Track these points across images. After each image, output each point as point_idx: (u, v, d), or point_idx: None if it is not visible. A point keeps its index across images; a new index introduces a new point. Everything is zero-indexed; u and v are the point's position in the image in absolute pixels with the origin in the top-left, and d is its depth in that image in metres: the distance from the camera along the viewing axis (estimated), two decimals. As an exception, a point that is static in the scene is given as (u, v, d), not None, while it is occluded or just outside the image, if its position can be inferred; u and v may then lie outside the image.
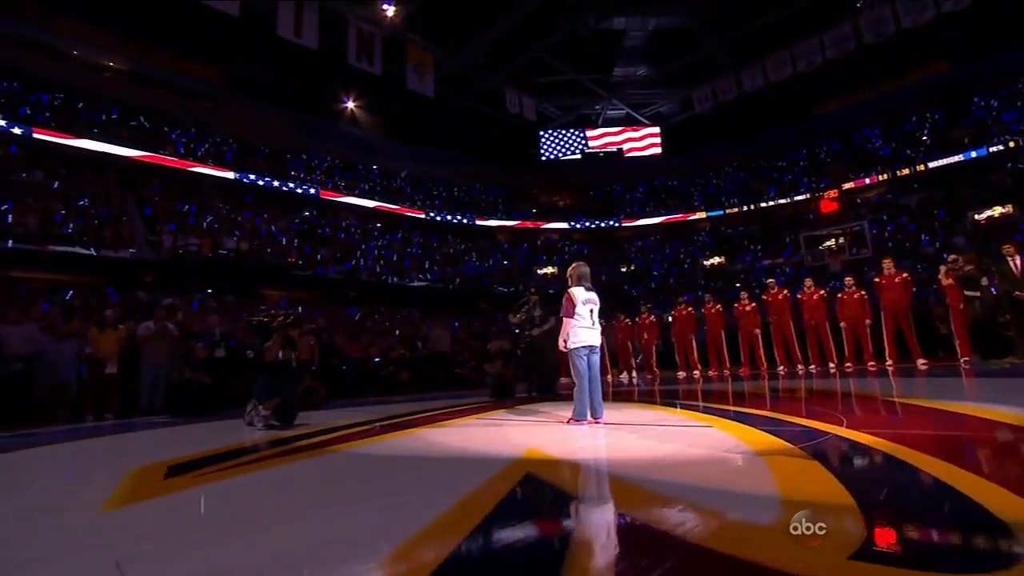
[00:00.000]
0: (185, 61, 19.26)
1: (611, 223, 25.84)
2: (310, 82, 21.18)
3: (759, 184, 24.31)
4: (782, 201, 22.94)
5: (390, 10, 19.61)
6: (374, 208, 23.43)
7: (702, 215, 24.74)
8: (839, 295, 9.67)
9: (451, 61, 21.08)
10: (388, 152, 24.94)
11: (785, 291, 10.29)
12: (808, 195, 22.40)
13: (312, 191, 22.13)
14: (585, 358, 4.15)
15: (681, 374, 10.89)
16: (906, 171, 20.56)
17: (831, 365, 9.37)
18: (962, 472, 1.74)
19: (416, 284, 20.72)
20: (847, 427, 2.81)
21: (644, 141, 24.96)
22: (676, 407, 5.07)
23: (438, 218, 24.76)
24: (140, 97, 18.98)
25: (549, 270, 24.04)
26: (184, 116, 19.97)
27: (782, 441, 2.54)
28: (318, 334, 8.93)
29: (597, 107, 24.82)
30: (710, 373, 10.71)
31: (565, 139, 25.02)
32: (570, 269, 4.48)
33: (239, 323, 9.04)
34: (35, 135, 15.88)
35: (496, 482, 2.03)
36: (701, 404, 5.23)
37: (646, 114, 25.16)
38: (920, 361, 8.03)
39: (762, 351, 10.33)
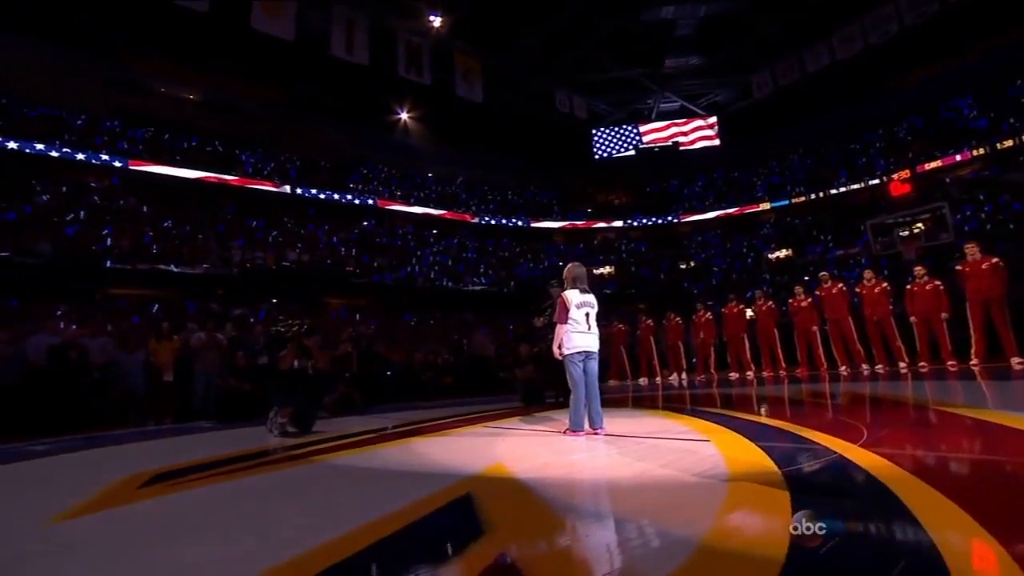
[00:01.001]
0: (251, 87, 20.68)
1: (669, 219, 25.01)
2: (364, 97, 22.06)
3: (828, 170, 22.61)
4: (855, 186, 21.18)
5: (437, 20, 20.04)
6: (429, 215, 24.04)
7: (766, 206, 23.34)
8: (908, 286, 8.77)
9: (498, 65, 21.25)
10: (443, 160, 25.56)
11: (840, 285, 9.39)
12: (885, 178, 20.55)
13: (370, 201, 23.02)
14: (581, 365, 3.97)
15: (734, 375, 10.32)
16: (1009, 143, 18.31)
17: (902, 365, 8.51)
18: (969, 520, 1.37)
19: (471, 288, 21.02)
20: (864, 444, 2.51)
21: (700, 132, 23.93)
22: (687, 415, 4.79)
23: (492, 222, 25.02)
24: (214, 124, 20.54)
25: (606, 270, 23.64)
26: (252, 138, 21.37)
27: (770, 463, 2.27)
28: (356, 341, 9.26)
29: (650, 101, 24.11)
30: (764, 374, 10.08)
31: (618, 136, 24.49)
32: (566, 271, 4.27)
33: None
34: (131, 166, 17.63)
35: (418, 505, 1.99)
36: (717, 412, 4.91)
37: (701, 105, 24.13)
38: (1016, 360, 6.87)
39: (820, 350, 9.59)
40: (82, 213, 15.30)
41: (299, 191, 21.26)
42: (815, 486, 1.95)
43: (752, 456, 2.50)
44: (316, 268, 18.66)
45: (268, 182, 20.53)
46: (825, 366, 9.38)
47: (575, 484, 2.33)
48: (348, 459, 3.52)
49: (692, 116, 24.16)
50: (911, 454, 2.42)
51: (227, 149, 20.75)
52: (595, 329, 4.07)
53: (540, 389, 7.73)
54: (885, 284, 9.04)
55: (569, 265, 4.28)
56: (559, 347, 4.02)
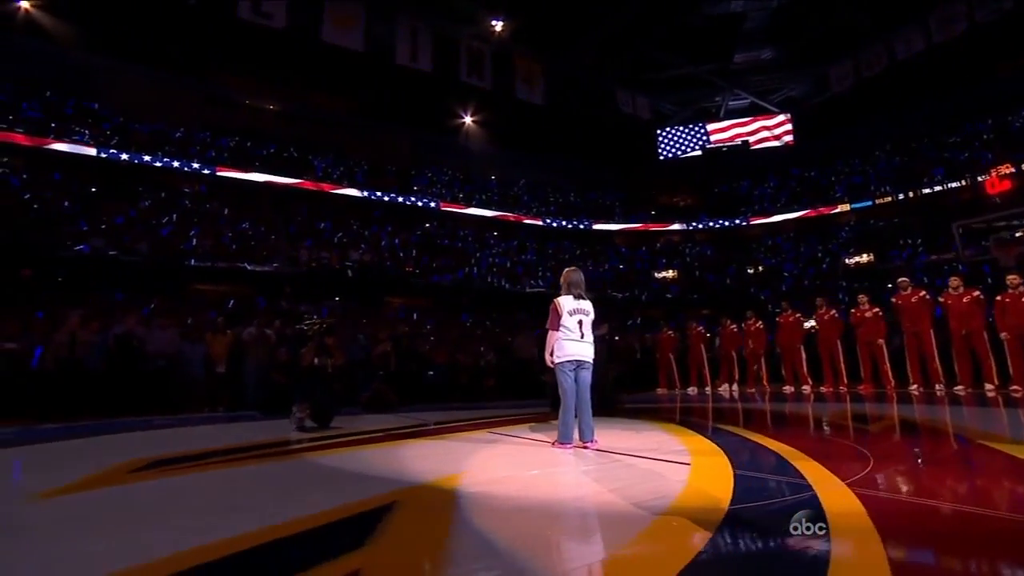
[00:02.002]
0: (323, 96, 21.96)
1: (737, 222, 23.79)
2: (428, 103, 22.76)
3: (921, 166, 20.55)
4: (953, 184, 19.10)
5: (498, 25, 20.32)
6: (490, 217, 24.37)
7: (845, 208, 21.58)
8: (999, 297, 7.85)
9: (559, 67, 21.23)
10: (505, 162, 25.87)
11: (923, 292, 8.51)
12: (992, 175, 18.37)
13: (433, 204, 23.68)
14: (572, 374, 3.85)
15: (788, 389, 9.68)
16: None
17: (988, 387, 7.64)
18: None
19: (527, 291, 21.10)
20: (853, 482, 2.27)
21: (773, 131, 22.58)
22: (696, 432, 4.57)
23: (554, 224, 24.95)
24: (291, 132, 21.95)
25: (669, 274, 22.89)
26: (324, 144, 22.63)
27: (726, 497, 2.12)
28: (396, 340, 9.58)
29: (717, 99, 23.10)
30: (822, 389, 9.39)
31: (684, 136, 23.64)
32: (562, 275, 4.13)
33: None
34: (217, 173, 19.28)
35: (333, 511, 2.04)
36: (729, 431, 4.65)
37: (774, 101, 22.78)
38: None
39: (887, 366, 8.79)
40: (175, 216, 16.87)
41: (365, 194, 22.25)
42: (749, 530, 1.76)
43: (715, 486, 2.34)
44: (377, 268, 19.45)
45: (337, 185, 21.66)
46: (893, 384, 8.60)
47: (504, 503, 2.28)
48: (326, 458, 3.66)
49: (763, 113, 22.88)
50: (901, 500, 2.16)
51: (301, 155, 22.09)
52: (589, 337, 3.93)
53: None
54: (977, 293, 8.09)
55: (566, 270, 4.16)
56: (550, 354, 3.95)
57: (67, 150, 16.61)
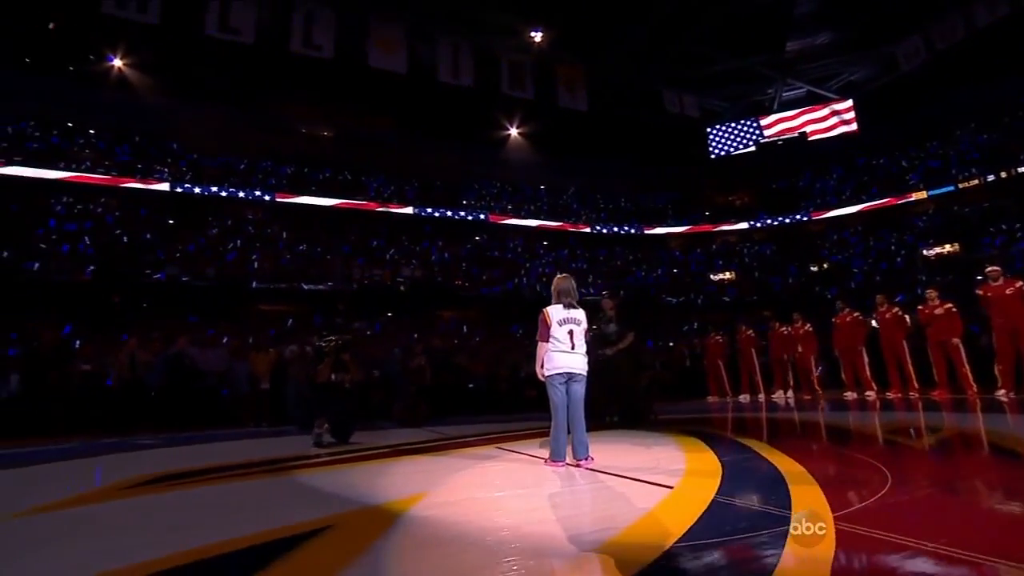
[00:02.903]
0: (373, 119, 22.86)
1: (798, 218, 22.40)
2: (473, 117, 23.14)
3: (1015, 143, 18.46)
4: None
5: (538, 36, 20.44)
6: (540, 227, 24.38)
7: (921, 195, 19.76)
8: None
9: (601, 72, 21.01)
10: (553, 171, 25.87)
11: (1020, 283, 7.35)
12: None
13: (482, 216, 24.00)
14: (562, 388, 3.70)
15: (849, 395, 8.96)
16: None
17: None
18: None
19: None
20: (843, 516, 2.02)
21: (833, 119, 21.12)
22: (708, 446, 4.31)
23: (604, 231, 24.61)
24: (345, 155, 22.93)
25: (726, 276, 21.92)
26: (376, 165, 23.49)
27: (679, 531, 1.95)
28: (431, 353, 9.72)
29: (770, 91, 21.95)
30: (889, 395, 8.62)
31: (736, 132, 22.63)
32: (553, 284, 3.97)
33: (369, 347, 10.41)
34: (277, 199, 20.52)
35: (266, 533, 2.07)
36: (745, 444, 4.35)
37: (833, 87, 21.35)
38: None
39: (966, 367, 7.93)
40: (239, 242, 18.09)
41: (416, 210, 22.88)
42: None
43: (679, 515, 2.15)
44: (427, 283, 19.89)
45: (388, 204, 22.42)
46: (975, 389, 7.73)
47: (435, 529, 2.22)
48: (309, 477, 3.76)
49: (821, 102, 21.47)
50: (885, 541, 1.85)
51: (355, 177, 23.07)
52: (581, 348, 3.77)
53: (603, 407, 7.38)
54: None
55: (556, 278, 3.99)
56: (541, 367, 3.85)
57: (151, 188, 18.24)
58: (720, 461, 3.57)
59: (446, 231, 23.42)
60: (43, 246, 14.95)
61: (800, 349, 10.04)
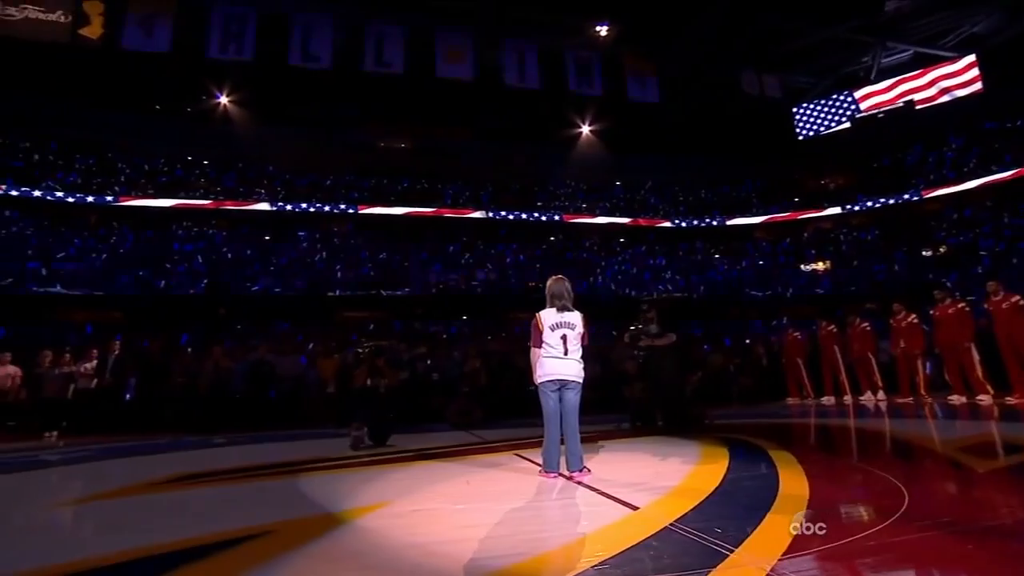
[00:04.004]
0: (445, 127, 23.64)
1: (906, 197, 19.88)
2: (542, 118, 23.15)
3: None
4: None
5: (603, 30, 20.07)
6: (615, 224, 23.86)
7: (1069, 161, 16.75)
8: None
9: (671, 61, 20.18)
10: (628, 167, 25.25)
11: (1015, 298, 6.77)
12: None
13: (556, 217, 23.93)
14: (555, 395, 3.56)
15: (956, 399, 7.86)
16: None
17: None
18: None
19: (655, 296, 20.17)
20: (831, 551, 1.88)
21: (950, 80, 18.52)
22: (723, 459, 4.00)
23: (683, 224, 23.57)
24: (421, 165, 23.85)
25: (819, 266, 20.07)
26: (451, 172, 24.20)
27: (590, 560, 1.88)
28: (486, 356, 9.86)
29: (865, 60, 19.75)
30: (1010, 400, 7.48)
31: (827, 109, 20.65)
32: (547, 286, 3.83)
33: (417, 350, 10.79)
34: (359, 211, 21.89)
35: (203, 536, 2.25)
36: (775, 456, 3.98)
37: (948, 44, 18.70)
38: None
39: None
40: (325, 253, 19.51)
41: (490, 214, 23.29)
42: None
43: (611, 542, 2.02)
44: (500, 286, 20.18)
45: (463, 210, 23.03)
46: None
47: (359, 544, 2.26)
48: (308, 480, 3.94)
49: (934, 63, 18.92)
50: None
51: (431, 185, 23.92)
52: (574, 354, 3.60)
53: (652, 411, 7.12)
54: None
55: (549, 280, 3.84)
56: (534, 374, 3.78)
57: (251, 208, 20.25)
58: (724, 478, 3.32)
59: (521, 233, 23.61)
60: (168, 265, 17.11)
61: (903, 344, 8.94)
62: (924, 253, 18.20)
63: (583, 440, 5.66)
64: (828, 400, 9.89)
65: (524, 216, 23.69)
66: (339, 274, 18.43)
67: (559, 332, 3.61)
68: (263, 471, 4.35)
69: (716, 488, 3.00)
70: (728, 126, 22.24)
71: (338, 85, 20.03)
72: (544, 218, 23.81)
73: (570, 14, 19.25)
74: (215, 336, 14.27)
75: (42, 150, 19.27)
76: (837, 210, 21.28)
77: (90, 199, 18.15)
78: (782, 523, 2.22)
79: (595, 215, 23.91)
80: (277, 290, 17.00)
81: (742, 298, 18.89)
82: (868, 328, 9.66)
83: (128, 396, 9.40)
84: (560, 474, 3.57)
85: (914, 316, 9.06)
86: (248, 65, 18.17)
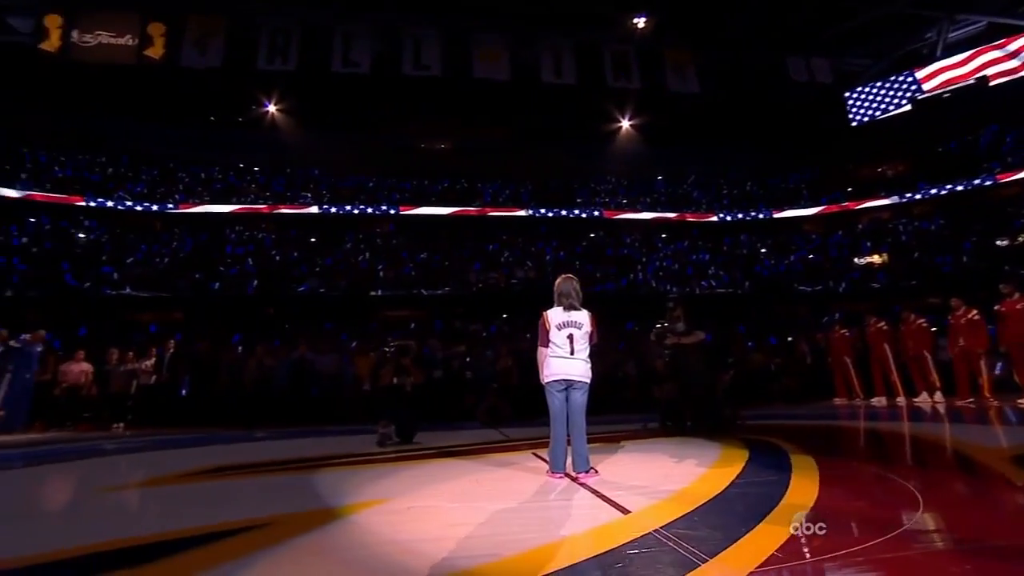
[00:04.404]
0: (484, 128, 23.81)
1: (976, 183, 18.42)
2: (580, 114, 22.94)
3: None
4: None
5: (641, 22, 19.71)
6: (657, 219, 23.39)
7: None
8: None
9: (713, 50, 19.58)
10: (670, 160, 24.77)
11: None
12: None
13: (596, 213, 23.68)
14: (561, 395, 3.57)
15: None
16: None
17: None
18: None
19: (699, 292, 19.64)
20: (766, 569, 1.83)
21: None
22: (740, 463, 3.88)
23: (728, 218, 22.84)
24: (460, 165, 24.15)
25: (874, 259, 18.95)
26: (490, 171, 24.34)
27: (562, 566, 1.88)
28: (518, 354, 9.89)
29: (928, 36, 18.42)
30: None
31: (884, 92, 19.40)
32: (555, 285, 3.81)
33: (455, 348, 10.91)
34: (400, 211, 22.39)
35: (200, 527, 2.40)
36: (800, 461, 3.83)
37: (1027, 14, 17.14)
38: None
39: None
40: (367, 254, 20.08)
41: (530, 212, 23.29)
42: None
43: (588, 546, 2.05)
44: (540, 284, 20.14)
45: (502, 208, 23.14)
46: None
47: (344, 539, 2.35)
48: (321, 475, 4.08)
49: (1014, 33, 17.37)
50: None
51: (471, 184, 24.17)
52: (581, 353, 3.60)
53: (681, 411, 6.98)
54: None
55: (558, 279, 3.84)
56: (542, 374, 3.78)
57: (298, 212, 21.09)
58: (731, 482, 3.24)
59: (561, 230, 23.50)
60: (221, 268, 18.08)
61: (962, 343, 8.39)
62: (999, 243, 16.79)
63: (606, 440, 5.68)
64: (879, 401, 9.41)
65: (564, 213, 23.56)
66: (381, 274, 18.92)
67: (566, 331, 3.62)
68: (286, 465, 4.57)
69: (719, 493, 2.94)
70: (775, 115, 21.36)
71: (378, 89, 20.53)
72: (584, 215, 23.61)
73: (607, 7, 18.98)
74: (264, 335, 14.99)
75: (115, 164, 20.79)
76: (895, 199, 19.98)
77: (154, 207, 19.43)
78: (771, 534, 2.16)
79: (636, 210, 23.51)
80: (322, 290, 17.63)
81: (790, 293, 18.12)
82: (925, 324, 9.10)
83: (183, 392, 10.01)
84: (566, 474, 3.58)
85: (975, 312, 8.47)
86: (293, 74, 18.97)
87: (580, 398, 3.64)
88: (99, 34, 17.72)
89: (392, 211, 21.97)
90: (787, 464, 3.77)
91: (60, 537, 2.45)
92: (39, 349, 9.13)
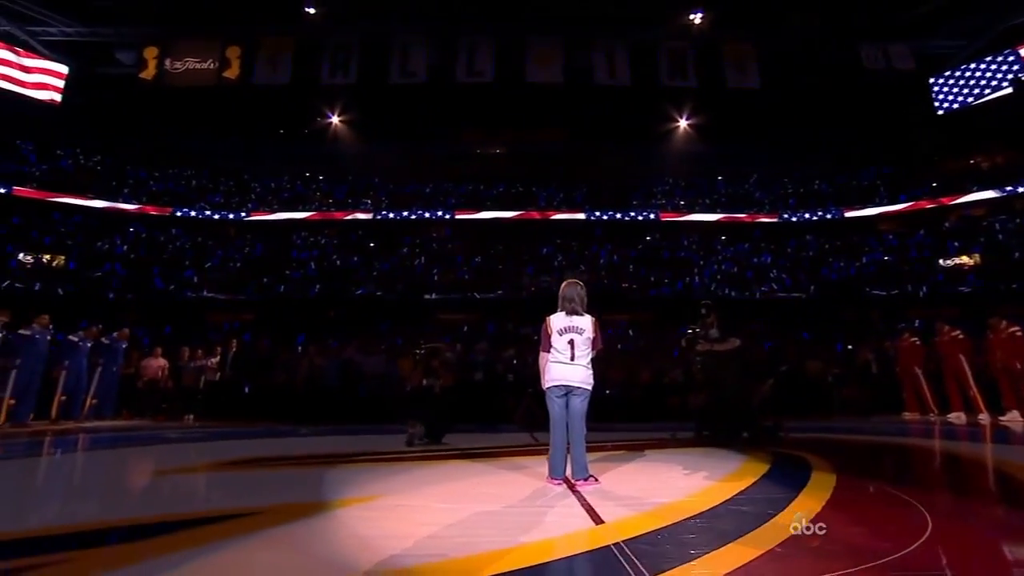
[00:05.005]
0: (539, 131, 23.89)
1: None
2: (635, 116, 22.53)
3: None
4: None
5: (697, 18, 19.21)
6: (717, 221, 22.53)
7: None
8: None
9: (776, 41, 18.70)
10: (730, 159, 23.82)
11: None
12: None
13: (652, 216, 23.12)
14: (561, 401, 3.55)
15: None
16: None
17: None
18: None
19: (759, 297, 18.74)
20: None
21: None
22: (754, 478, 3.70)
23: (793, 219, 21.61)
24: (516, 170, 24.31)
25: (964, 260, 17.26)
26: (546, 175, 24.34)
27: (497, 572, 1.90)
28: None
29: (1033, 8, 16.61)
30: None
31: (979, 74, 17.68)
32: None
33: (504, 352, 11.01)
34: (456, 216, 22.89)
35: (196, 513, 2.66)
36: (819, 479, 3.61)
37: None
38: None
39: None
40: (423, 258, 20.67)
41: (585, 215, 23.11)
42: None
43: (533, 555, 2.05)
44: (593, 287, 19.93)
45: (555, 211, 23.10)
46: None
47: (330, 530, 2.46)
48: (334, 471, 4.28)
49: None
50: None
51: (526, 189, 24.27)
52: (581, 359, 3.56)
53: (715, 421, 6.75)
54: None
55: (563, 283, 3.82)
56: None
57: (358, 218, 22.09)
58: (730, 498, 3.11)
59: (616, 234, 23.13)
60: (287, 272, 19.25)
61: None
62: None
63: (629, 448, 5.58)
64: (956, 417, 8.63)
65: (619, 216, 23.18)
66: (436, 278, 19.42)
67: (567, 336, 3.60)
68: (310, 460, 4.86)
69: (709, 508, 2.83)
70: (846, 107, 20.00)
71: (434, 97, 21.14)
72: (640, 217, 23.12)
73: (661, 5, 18.60)
74: (324, 336, 15.79)
75: (198, 177, 22.68)
76: (991, 193, 18.06)
77: (230, 215, 21.01)
78: (736, 554, 2.07)
79: (694, 212, 22.75)
80: (378, 294, 18.35)
81: (861, 298, 16.88)
82: (1020, 333, 8.27)
83: (247, 388, 10.76)
84: (566, 480, 3.58)
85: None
86: (354, 87, 19.95)
87: (580, 404, 3.61)
88: (187, 60, 19.48)
89: (448, 216, 22.49)
90: (803, 482, 3.56)
91: (75, 513, 2.78)
92: (124, 345, 10.10)
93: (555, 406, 3.63)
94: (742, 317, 18.32)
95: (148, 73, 19.41)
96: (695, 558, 2.01)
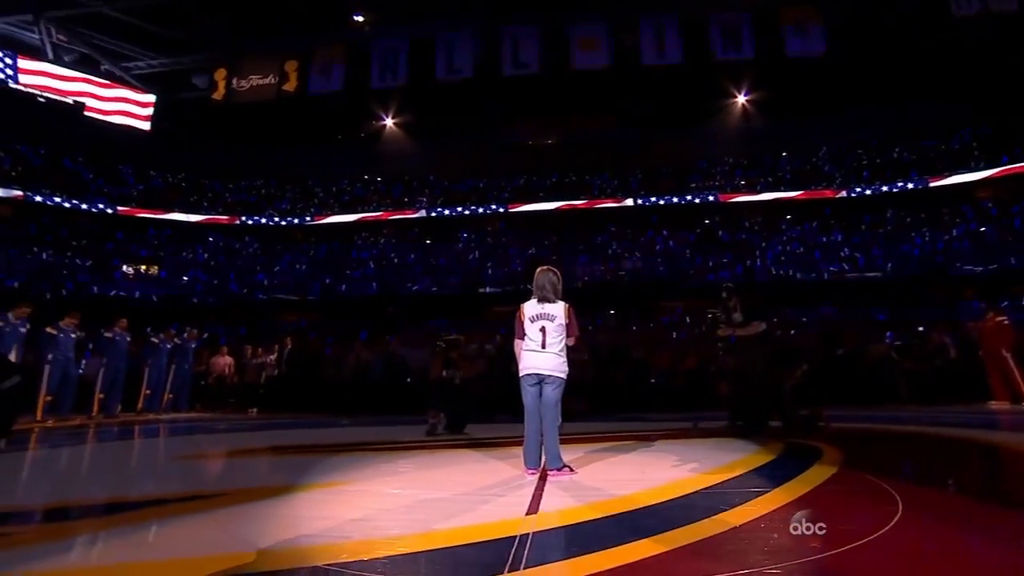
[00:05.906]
0: (589, 119, 23.45)
1: None
2: (687, 95, 21.59)
3: None
4: None
5: (752, -17, 18.09)
6: (780, 200, 21.18)
7: None
8: None
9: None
10: (794, 133, 22.38)
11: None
12: None
13: (711, 198, 22.11)
14: (533, 389, 3.47)
15: None
16: None
17: None
18: None
19: (827, 278, 17.44)
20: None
21: None
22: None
23: (867, 192, 19.87)
24: (567, 159, 23.93)
25: (1076, 229, 15.15)
26: (598, 162, 23.83)
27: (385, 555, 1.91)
28: (594, 349, 9.70)
29: None
30: None
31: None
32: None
33: None
34: (509, 209, 23.00)
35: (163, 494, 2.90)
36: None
37: None
38: None
39: None
40: (477, 252, 20.99)
41: (639, 202, 22.46)
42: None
43: (439, 540, 2.09)
44: (648, 274, 19.42)
45: (610, 199, 22.62)
46: None
47: (280, 510, 2.61)
48: (339, 458, 4.48)
49: None
50: None
51: (579, 177, 23.91)
52: (553, 347, 3.47)
53: (745, 409, 6.40)
54: None
55: (537, 271, 3.74)
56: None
57: (414, 216, 22.77)
58: (702, 489, 2.97)
59: (672, 218, 22.36)
60: (348, 272, 20.24)
61: None
62: None
63: (639, 438, 5.42)
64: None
65: (675, 200, 22.34)
66: (490, 271, 19.66)
67: (538, 324, 3.54)
68: (322, 448, 5.12)
69: (660, 502, 2.68)
70: (930, 64, 18.03)
71: (482, 93, 21.29)
72: (697, 200, 22.16)
73: (710, -28, 17.66)
74: (384, 332, 16.46)
75: (267, 186, 24.29)
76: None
77: (296, 220, 22.36)
78: (639, 549, 1.94)
79: (756, 192, 21.47)
80: (434, 289, 18.86)
81: (950, 275, 15.25)
82: None
83: (302, 383, 11.44)
84: (541, 470, 3.55)
85: None
86: (404, 88, 20.51)
87: (551, 393, 3.53)
88: (251, 78, 20.86)
89: (501, 209, 22.64)
90: (793, 475, 3.31)
91: (74, 490, 3.16)
92: (194, 345, 11.06)
93: (528, 395, 3.57)
94: (808, 299, 17.22)
95: (219, 94, 20.98)
96: (583, 554, 1.91)
